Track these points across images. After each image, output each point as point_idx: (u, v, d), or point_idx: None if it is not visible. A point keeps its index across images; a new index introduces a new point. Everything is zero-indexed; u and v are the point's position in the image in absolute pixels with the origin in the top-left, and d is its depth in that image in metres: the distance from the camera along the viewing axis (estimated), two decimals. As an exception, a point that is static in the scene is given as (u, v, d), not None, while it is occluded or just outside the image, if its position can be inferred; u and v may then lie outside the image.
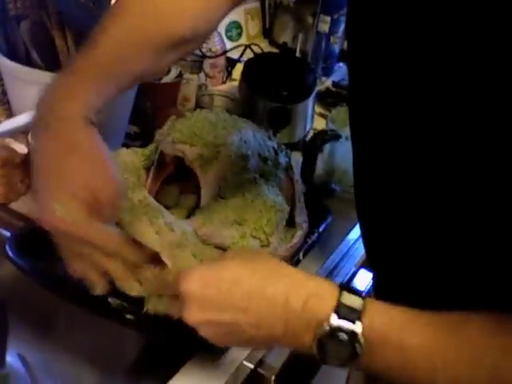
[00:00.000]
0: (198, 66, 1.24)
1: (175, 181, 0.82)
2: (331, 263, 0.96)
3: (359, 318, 0.49)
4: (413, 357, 0.49)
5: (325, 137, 1.02)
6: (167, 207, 0.78)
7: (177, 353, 0.71)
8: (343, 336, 0.49)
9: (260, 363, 0.78)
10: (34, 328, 0.84)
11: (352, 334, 0.49)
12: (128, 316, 0.69)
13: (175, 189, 0.81)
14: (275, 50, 1.66)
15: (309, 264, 0.90)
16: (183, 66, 1.22)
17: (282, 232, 0.83)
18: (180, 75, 1.19)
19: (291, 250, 0.85)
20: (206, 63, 1.29)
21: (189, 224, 0.72)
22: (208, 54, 1.28)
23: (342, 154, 1.07)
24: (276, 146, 0.88)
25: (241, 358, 0.75)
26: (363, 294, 1.11)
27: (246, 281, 0.53)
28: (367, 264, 1.13)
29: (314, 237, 0.90)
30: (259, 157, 0.82)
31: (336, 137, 1.06)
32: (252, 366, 0.76)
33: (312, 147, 1.03)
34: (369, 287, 1.13)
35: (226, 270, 0.54)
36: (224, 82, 1.37)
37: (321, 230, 0.93)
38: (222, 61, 1.34)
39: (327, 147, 1.04)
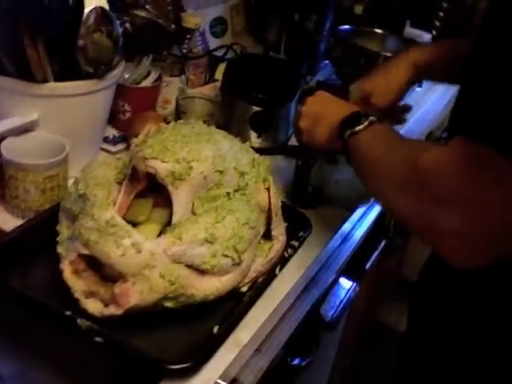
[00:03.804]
0: (178, 68, 1.22)
1: (149, 191, 0.80)
2: (311, 272, 0.95)
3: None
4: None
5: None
6: (139, 222, 0.77)
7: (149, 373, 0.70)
8: (363, 113, 0.82)
9: (233, 381, 0.78)
10: (6, 337, 0.83)
11: (367, 115, 0.82)
12: (97, 339, 0.68)
13: (148, 202, 0.79)
14: (260, 48, 1.64)
15: (288, 273, 0.89)
16: (163, 68, 1.19)
17: (256, 248, 0.82)
18: (159, 78, 1.17)
19: (267, 266, 0.84)
20: (188, 64, 1.27)
21: (158, 243, 0.70)
22: (189, 54, 1.26)
23: (331, 177, 1.07)
24: (255, 158, 0.86)
25: (215, 378, 0.74)
26: (342, 302, 1.10)
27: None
28: (347, 273, 1.13)
29: (291, 251, 0.89)
30: (235, 171, 0.80)
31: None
32: (226, 384, 0.76)
33: (305, 159, 1.02)
34: (348, 295, 1.13)
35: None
36: (207, 83, 1.35)
37: (299, 241, 0.92)
38: (204, 61, 1.32)
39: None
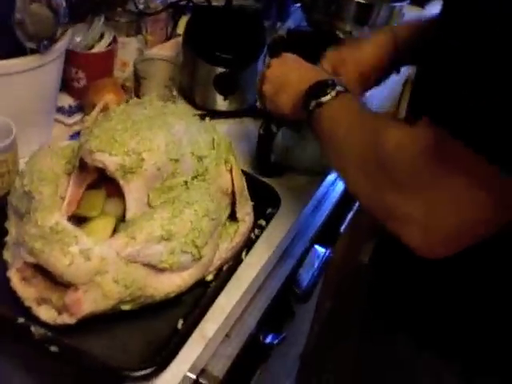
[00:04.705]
0: (134, 27, 1.13)
1: (101, 181, 0.74)
2: (280, 250, 0.91)
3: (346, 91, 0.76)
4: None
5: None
6: (92, 216, 0.72)
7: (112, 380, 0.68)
8: (329, 82, 0.77)
9: (202, 372, 0.75)
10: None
11: (334, 83, 0.76)
12: (52, 348, 0.65)
13: (101, 193, 0.73)
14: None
15: (255, 255, 0.85)
16: (118, 28, 1.11)
17: (219, 236, 0.77)
18: (114, 40, 1.08)
19: (233, 251, 0.81)
20: (146, 20, 1.18)
21: (110, 245, 0.66)
22: (147, 11, 1.17)
23: (294, 136, 1.00)
24: (214, 138, 0.80)
25: (183, 371, 0.72)
26: (316, 269, 1.07)
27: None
28: (319, 240, 1.10)
29: (259, 231, 0.85)
30: (192, 156, 0.75)
31: None
32: (194, 377, 0.73)
33: (268, 129, 0.95)
34: (322, 263, 1.10)
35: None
36: (168, 39, 1.26)
37: (267, 219, 0.88)
38: (164, 15, 1.22)
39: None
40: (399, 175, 0.60)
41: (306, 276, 1.02)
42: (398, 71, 0.99)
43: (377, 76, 0.98)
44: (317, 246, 1.08)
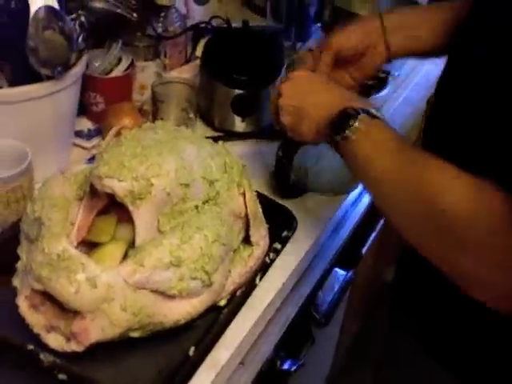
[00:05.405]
0: (152, 51, 1.14)
1: (112, 206, 0.74)
2: (297, 273, 0.90)
3: (372, 117, 0.70)
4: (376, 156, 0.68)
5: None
6: (103, 242, 0.71)
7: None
8: (351, 111, 0.71)
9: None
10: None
11: (357, 112, 0.70)
12: (61, 376, 0.64)
13: (112, 219, 0.73)
14: (247, 13, 1.54)
15: (270, 280, 0.84)
16: (136, 52, 1.11)
17: (232, 261, 0.76)
18: (132, 64, 1.09)
19: (246, 276, 0.79)
20: (165, 44, 1.18)
21: (117, 273, 0.65)
22: (165, 34, 1.17)
23: (313, 154, 0.99)
24: (227, 161, 0.79)
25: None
26: (336, 292, 1.05)
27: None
28: (340, 263, 1.08)
29: (274, 255, 0.83)
30: (203, 180, 0.74)
31: None
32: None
33: (286, 151, 0.94)
34: (342, 286, 1.07)
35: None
36: (187, 61, 1.26)
37: (283, 243, 0.86)
38: (182, 38, 1.23)
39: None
40: (473, 244, 0.58)
41: (325, 300, 1.00)
42: (390, 61, 0.92)
43: (365, 66, 0.91)
44: (337, 269, 1.06)
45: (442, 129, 0.76)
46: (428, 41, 0.89)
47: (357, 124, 0.70)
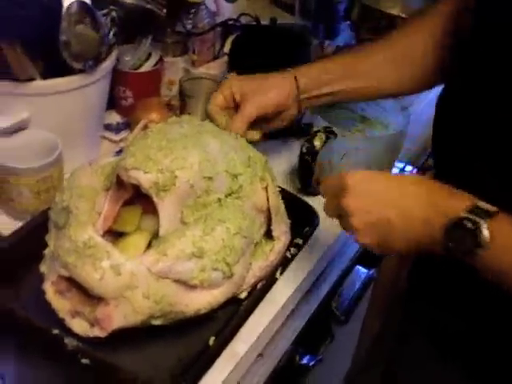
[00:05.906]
0: (181, 48, 1.16)
1: (138, 197, 0.76)
2: (318, 269, 0.90)
3: (489, 217, 0.58)
4: None
5: (322, 139, 0.94)
6: (128, 232, 0.73)
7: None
8: (469, 225, 0.58)
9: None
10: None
11: (477, 225, 0.58)
12: (84, 360, 0.66)
13: (137, 209, 0.75)
14: (275, 10, 1.55)
15: (291, 274, 0.84)
16: (165, 48, 1.13)
17: (253, 254, 0.77)
18: (160, 60, 1.11)
19: (267, 269, 0.80)
20: (193, 40, 1.20)
21: (141, 261, 0.67)
22: (194, 31, 1.19)
23: (338, 151, 0.99)
24: (250, 156, 0.80)
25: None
26: (357, 290, 1.05)
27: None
28: (362, 261, 1.08)
29: (295, 250, 0.84)
30: (226, 174, 0.75)
31: (332, 133, 0.98)
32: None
33: (310, 147, 0.95)
34: (363, 284, 1.08)
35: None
36: (215, 58, 1.28)
37: (304, 239, 0.87)
38: (211, 35, 1.24)
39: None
40: None
41: (346, 297, 1.01)
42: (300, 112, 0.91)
43: (277, 121, 0.90)
44: (359, 267, 1.07)
45: (450, 130, 0.75)
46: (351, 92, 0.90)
47: (481, 239, 0.57)
